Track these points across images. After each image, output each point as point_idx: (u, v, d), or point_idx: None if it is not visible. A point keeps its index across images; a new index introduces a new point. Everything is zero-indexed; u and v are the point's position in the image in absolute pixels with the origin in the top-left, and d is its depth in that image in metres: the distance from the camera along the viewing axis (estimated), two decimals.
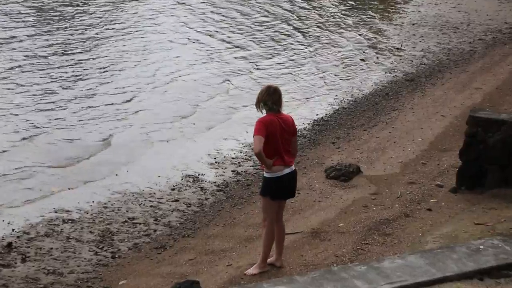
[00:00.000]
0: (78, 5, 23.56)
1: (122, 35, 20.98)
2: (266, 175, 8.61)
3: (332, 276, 6.55)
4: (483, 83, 17.43)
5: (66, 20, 21.77)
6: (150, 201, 11.77)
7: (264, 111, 8.54)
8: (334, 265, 8.27)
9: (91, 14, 22.81)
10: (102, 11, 23.34)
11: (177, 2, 25.13)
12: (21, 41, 19.52)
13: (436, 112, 15.63)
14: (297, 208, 11.18)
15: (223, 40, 21.31)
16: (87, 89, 16.61)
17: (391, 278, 6.51)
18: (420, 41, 22.09)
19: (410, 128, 14.72)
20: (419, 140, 13.91)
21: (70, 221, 10.88)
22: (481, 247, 7.28)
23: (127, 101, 16.16)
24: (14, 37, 19.69)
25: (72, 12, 22.85)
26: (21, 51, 18.70)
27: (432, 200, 10.71)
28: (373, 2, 27.17)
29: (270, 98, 8.51)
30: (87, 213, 11.18)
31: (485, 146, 10.65)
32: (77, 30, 21.02)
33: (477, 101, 15.78)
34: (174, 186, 12.38)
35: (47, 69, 17.67)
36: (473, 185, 10.79)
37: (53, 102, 15.72)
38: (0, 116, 14.69)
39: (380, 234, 9.53)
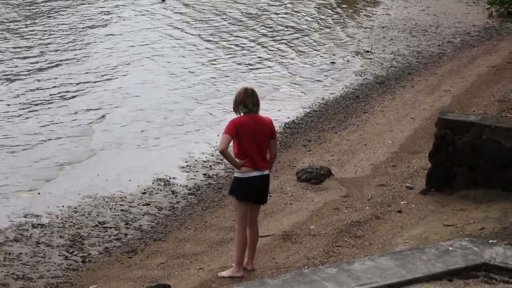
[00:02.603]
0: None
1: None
2: (235, 174, 8.70)
3: (303, 279, 6.56)
4: (452, 86, 17.57)
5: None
6: (121, 205, 11.71)
7: (241, 114, 8.54)
8: (305, 267, 8.31)
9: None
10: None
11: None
12: None
13: (406, 114, 15.73)
14: (269, 211, 11.19)
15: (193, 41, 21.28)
16: (57, 95, 16.50)
17: (361, 280, 6.54)
18: (390, 44, 22.21)
19: (381, 131, 14.79)
20: (389, 142, 13.99)
21: (39, 225, 10.80)
22: (450, 248, 7.33)
23: (98, 108, 16.03)
24: None
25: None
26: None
27: (402, 202, 10.79)
28: (342, 5, 27.27)
29: (250, 99, 8.53)
30: (57, 218, 11.11)
31: (454, 148, 10.76)
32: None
33: (446, 103, 15.90)
34: (145, 189, 12.33)
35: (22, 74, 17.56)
36: (442, 186, 10.90)
37: (23, 103, 15.59)
38: None
39: (351, 236, 9.59)
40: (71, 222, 10.99)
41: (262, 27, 23.40)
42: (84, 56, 19.28)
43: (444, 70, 19.40)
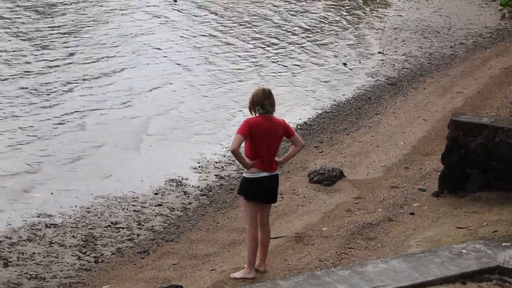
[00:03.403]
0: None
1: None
2: (244, 174, 8.72)
3: (315, 281, 6.57)
4: (464, 87, 17.53)
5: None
6: (133, 205, 11.73)
7: (257, 115, 8.56)
8: (318, 269, 8.29)
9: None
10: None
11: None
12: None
13: (418, 116, 15.69)
14: (281, 212, 11.20)
15: (207, 43, 21.27)
16: (70, 97, 16.52)
17: (374, 282, 6.54)
18: (402, 46, 22.18)
19: (393, 132, 14.77)
20: (401, 144, 13.97)
21: (52, 225, 10.82)
22: (464, 251, 7.33)
23: (110, 108, 16.05)
24: None
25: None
26: None
27: (414, 204, 10.77)
28: (354, 7, 27.23)
29: (267, 100, 8.56)
30: (70, 218, 11.13)
31: (467, 150, 10.72)
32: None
33: (458, 105, 15.86)
34: (157, 190, 12.35)
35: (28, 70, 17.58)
36: (455, 189, 10.86)
37: (33, 104, 15.62)
38: None
39: (363, 238, 9.57)
40: (84, 222, 11.02)
41: (272, 27, 23.36)
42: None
43: (456, 72, 19.35)
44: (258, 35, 22.52)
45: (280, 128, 8.70)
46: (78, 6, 23.77)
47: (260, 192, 8.62)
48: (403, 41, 22.68)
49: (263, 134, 8.53)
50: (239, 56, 20.46)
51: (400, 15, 25.89)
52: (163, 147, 14.36)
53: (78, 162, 13.23)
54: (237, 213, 11.28)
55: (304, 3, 26.79)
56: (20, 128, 14.40)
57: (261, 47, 21.34)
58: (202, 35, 22.16)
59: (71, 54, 19.10)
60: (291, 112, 16.42)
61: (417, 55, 21.33)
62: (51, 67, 17.92)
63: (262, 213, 8.80)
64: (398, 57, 21.09)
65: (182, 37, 21.81)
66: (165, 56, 20.00)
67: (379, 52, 21.44)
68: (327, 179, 12.30)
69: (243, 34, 22.50)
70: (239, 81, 18.37)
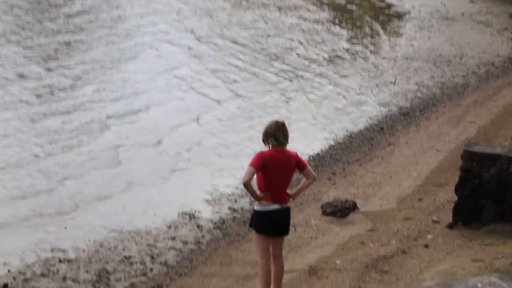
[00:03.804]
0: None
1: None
2: (254, 207, 8.72)
3: None
4: (477, 117, 17.49)
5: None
6: (146, 239, 11.73)
7: (270, 146, 8.59)
8: None
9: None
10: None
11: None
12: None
13: (431, 146, 15.66)
14: (294, 245, 11.16)
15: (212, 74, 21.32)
16: (78, 124, 16.57)
17: None
18: (414, 75, 22.19)
19: (406, 163, 14.73)
20: (414, 175, 13.92)
21: (66, 260, 10.84)
22: (479, 284, 7.24)
23: (130, 143, 16.08)
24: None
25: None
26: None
27: (429, 236, 10.70)
28: (366, 37, 27.31)
29: (281, 133, 8.59)
30: (83, 252, 11.14)
31: (481, 181, 10.66)
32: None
33: (471, 135, 15.82)
34: (170, 223, 12.35)
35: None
36: (469, 220, 10.78)
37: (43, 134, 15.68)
38: None
39: (377, 271, 9.51)
40: (97, 256, 11.03)
41: (284, 59, 23.41)
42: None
43: (469, 101, 19.33)
44: (268, 66, 22.54)
45: (293, 161, 8.71)
46: (107, 40, 23.70)
47: (270, 225, 8.61)
48: (415, 70, 22.70)
49: (276, 167, 8.53)
50: (266, 88, 20.45)
51: (412, 44, 25.93)
52: (176, 180, 14.37)
53: (91, 196, 13.25)
54: (251, 246, 11.24)
55: (319, 33, 26.91)
56: (34, 159, 14.46)
57: (272, 78, 21.35)
58: (229, 67, 22.08)
59: (99, 90, 19.05)
60: (304, 143, 16.40)
61: (429, 84, 21.34)
62: (78, 104, 17.86)
63: (275, 245, 8.78)
64: (410, 86, 21.10)
65: (209, 68, 21.76)
66: (193, 88, 19.98)
67: (391, 82, 21.45)
68: (340, 211, 12.27)
69: (270, 66, 22.52)
70: (252, 114, 18.35)
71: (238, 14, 28.44)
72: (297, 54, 23.90)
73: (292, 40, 25.42)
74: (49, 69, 20.16)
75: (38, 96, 18.03)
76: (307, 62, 23.05)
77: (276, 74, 21.71)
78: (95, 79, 19.86)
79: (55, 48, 22.19)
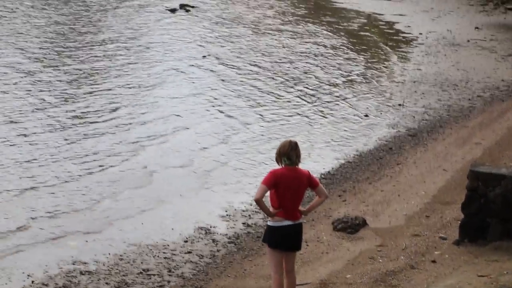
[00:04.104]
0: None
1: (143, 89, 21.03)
2: (268, 223, 8.73)
3: None
4: (483, 138, 17.44)
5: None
6: (164, 252, 11.71)
7: (283, 165, 8.61)
8: None
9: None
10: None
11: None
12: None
13: (438, 166, 15.61)
14: (306, 259, 11.12)
15: (230, 92, 21.32)
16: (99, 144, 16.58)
17: None
18: (422, 98, 22.18)
19: (414, 182, 14.69)
20: (422, 193, 13.87)
21: (87, 272, 10.81)
22: None
23: (134, 155, 16.09)
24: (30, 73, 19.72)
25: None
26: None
27: (436, 252, 10.65)
28: (375, 61, 27.33)
29: (294, 152, 8.61)
30: (104, 265, 11.12)
31: (486, 200, 10.62)
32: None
33: (477, 156, 15.76)
34: (187, 238, 12.32)
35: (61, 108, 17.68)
36: (475, 237, 10.73)
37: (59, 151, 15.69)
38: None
39: (386, 285, 9.46)
40: (117, 269, 11.00)
41: (296, 80, 23.44)
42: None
43: (475, 123, 19.28)
44: (279, 88, 22.55)
45: (305, 179, 8.71)
46: (136, 66, 23.69)
47: (283, 240, 8.61)
48: (423, 93, 22.68)
49: (288, 185, 8.54)
50: (287, 110, 20.44)
51: (420, 69, 25.94)
52: (192, 195, 14.36)
53: (111, 211, 13.26)
54: (264, 260, 11.20)
55: (333, 58, 26.95)
56: (55, 177, 14.49)
57: (285, 99, 21.34)
58: (254, 90, 22.04)
59: (131, 113, 18.94)
60: (315, 162, 16.39)
61: (436, 107, 21.31)
62: (112, 127, 17.83)
63: (287, 260, 8.76)
64: (418, 109, 21.08)
65: (235, 92, 21.77)
66: (221, 111, 19.93)
67: (400, 105, 21.44)
68: (351, 227, 12.23)
69: (290, 88, 22.52)
70: (263, 134, 18.31)
71: (258, 40, 28.56)
72: (315, 77, 23.91)
73: (308, 64, 25.49)
74: (84, 93, 20.15)
75: (73, 118, 18.04)
76: (323, 85, 23.06)
77: (298, 96, 21.75)
78: (128, 102, 19.81)
79: (89, 73, 22.20)
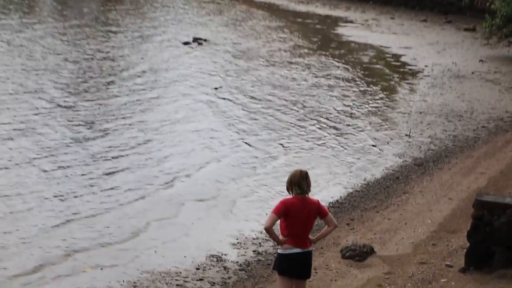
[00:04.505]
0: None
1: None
2: (278, 250, 8.74)
3: None
4: (488, 168, 17.34)
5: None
6: (176, 280, 11.64)
7: (294, 194, 8.62)
8: None
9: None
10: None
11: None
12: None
13: (444, 195, 15.52)
14: (315, 286, 11.02)
15: (239, 125, 21.30)
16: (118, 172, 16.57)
17: None
18: (428, 128, 22.12)
19: (420, 210, 14.59)
20: (428, 221, 13.78)
21: None
22: None
23: (162, 188, 16.02)
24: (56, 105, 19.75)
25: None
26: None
27: (442, 280, 10.55)
28: (382, 93, 27.32)
29: (304, 181, 8.62)
30: None
31: (491, 228, 10.55)
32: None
33: (482, 185, 15.67)
34: (199, 265, 12.25)
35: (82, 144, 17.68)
36: (481, 265, 10.64)
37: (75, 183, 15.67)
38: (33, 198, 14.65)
39: None
40: None
41: (303, 110, 23.40)
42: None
43: (480, 153, 19.19)
44: (286, 118, 22.51)
45: (314, 208, 8.70)
46: (163, 100, 23.60)
47: (292, 267, 8.58)
48: (429, 124, 22.63)
49: (298, 214, 8.53)
50: (269, 136, 20.41)
51: (425, 100, 25.91)
52: (204, 224, 14.30)
53: (127, 239, 13.21)
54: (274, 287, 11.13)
55: (340, 89, 26.95)
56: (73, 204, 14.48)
57: (292, 128, 21.28)
58: (278, 122, 21.92)
59: (160, 149, 18.66)
60: (324, 191, 16.32)
61: (442, 137, 21.24)
62: (143, 160, 17.80)
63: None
64: (424, 139, 21.02)
65: (259, 124, 21.69)
66: (247, 143, 19.82)
67: (406, 135, 21.38)
68: (359, 255, 12.14)
69: (273, 116, 22.52)
70: (271, 162, 18.27)
71: (272, 72, 28.61)
72: (325, 108, 23.86)
73: (319, 95, 25.49)
74: (117, 126, 20.17)
75: (108, 151, 18.03)
76: (332, 116, 23.00)
77: (315, 125, 21.70)
78: (158, 136, 19.70)
79: (117, 108, 22.17)
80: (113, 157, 17.52)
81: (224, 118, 22.07)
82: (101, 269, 11.86)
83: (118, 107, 22.13)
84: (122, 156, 17.72)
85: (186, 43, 32.71)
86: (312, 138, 20.65)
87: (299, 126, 21.72)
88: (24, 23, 33.00)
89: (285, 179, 8.96)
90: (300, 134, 20.85)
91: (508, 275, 10.09)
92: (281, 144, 19.77)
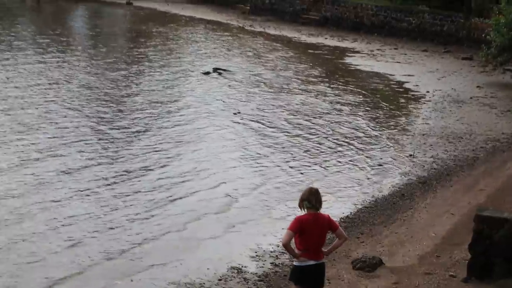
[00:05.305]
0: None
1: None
2: (294, 262, 8.74)
3: None
4: (486, 185, 17.23)
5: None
6: None
7: (305, 210, 8.63)
8: None
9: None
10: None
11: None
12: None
13: (446, 210, 15.42)
14: None
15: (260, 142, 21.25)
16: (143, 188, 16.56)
17: None
18: (430, 149, 22.02)
19: (425, 225, 14.50)
20: (432, 235, 13.69)
21: None
22: None
23: (171, 200, 15.98)
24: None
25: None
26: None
27: None
28: (386, 117, 27.26)
29: (313, 197, 8.64)
30: None
31: (491, 241, 10.48)
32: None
33: (481, 201, 15.56)
34: (221, 276, 12.23)
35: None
36: (482, 276, 10.57)
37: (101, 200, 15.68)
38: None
39: None
40: None
41: (310, 133, 23.32)
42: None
43: (479, 172, 19.08)
44: (292, 140, 22.46)
45: (326, 223, 8.72)
46: (171, 129, 22.90)
47: (307, 278, 8.59)
48: (431, 145, 22.54)
49: (311, 229, 8.55)
50: (281, 157, 20.39)
51: (428, 123, 25.82)
52: (224, 238, 14.28)
53: (153, 252, 13.21)
54: None
55: (347, 114, 26.92)
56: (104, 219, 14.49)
57: (299, 151, 21.25)
58: (297, 149, 21.67)
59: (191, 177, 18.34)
60: (335, 207, 16.25)
61: (443, 157, 21.14)
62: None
63: None
64: (427, 159, 20.92)
65: (271, 142, 21.72)
66: (273, 161, 19.74)
67: (411, 155, 21.30)
68: (368, 266, 12.07)
69: (284, 136, 22.48)
70: (283, 183, 18.22)
71: (286, 98, 28.57)
72: (336, 131, 23.79)
73: (330, 119, 25.47)
74: (136, 152, 20.22)
75: (127, 173, 18.10)
76: (343, 139, 22.96)
77: (326, 147, 21.60)
78: (177, 158, 19.45)
79: (141, 131, 22.19)
80: (134, 178, 17.54)
81: (238, 141, 21.96)
82: (131, 280, 11.86)
83: (143, 131, 21.99)
84: (142, 175, 17.72)
85: (206, 73, 32.81)
86: (323, 158, 20.62)
87: (309, 147, 21.68)
88: (62, 60, 33.26)
89: (296, 195, 8.98)
90: (310, 155, 20.81)
91: (508, 285, 10.00)
92: (292, 165, 19.73)
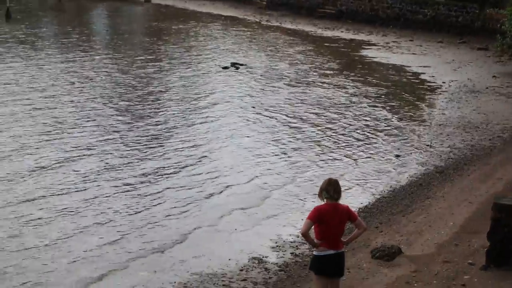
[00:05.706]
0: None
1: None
2: (313, 252, 8.72)
3: None
4: (504, 174, 17.06)
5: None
6: (222, 280, 11.65)
7: (325, 200, 8.61)
8: None
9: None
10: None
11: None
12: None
13: (464, 199, 15.29)
14: (348, 285, 10.90)
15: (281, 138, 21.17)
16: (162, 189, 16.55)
17: None
18: (447, 139, 21.86)
19: (443, 214, 14.39)
20: (451, 224, 13.59)
21: None
22: None
23: (198, 199, 15.90)
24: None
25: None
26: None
27: (465, 277, 10.39)
28: (404, 108, 27.09)
29: (331, 187, 8.60)
30: None
31: (510, 229, 10.36)
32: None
33: (499, 190, 15.41)
34: (242, 267, 12.24)
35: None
36: (500, 263, 10.46)
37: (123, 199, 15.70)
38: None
39: None
40: None
41: (331, 124, 23.22)
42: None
43: (496, 161, 18.90)
44: (314, 130, 22.35)
45: (345, 213, 8.68)
46: (194, 128, 22.54)
47: (327, 267, 8.57)
48: (448, 135, 22.37)
49: (330, 219, 8.51)
50: (300, 147, 20.30)
51: (444, 113, 25.63)
52: (246, 230, 14.27)
53: (179, 244, 13.22)
54: (311, 286, 11.00)
55: (366, 105, 26.78)
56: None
57: (322, 142, 21.16)
58: (309, 133, 21.80)
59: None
60: (353, 197, 16.20)
61: (460, 147, 20.97)
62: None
63: (332, 286, 8.67)
64: (444, 149, 20.77)
65: (291, 133, 21.57)
66: (285, 154, 19.58)
67: (428, 145, 21.16)
68: (387, 255, 12.01)
69: (298, 128, 22.39)
70: (303, 172, 18.17)
71: (304, 91, 28.50)
72: (353, 124, 23.71)
73: (348, 111, 25.35)
74: (160, 151, 20.28)
75: (149, 174, 18.10)
76: (361, 130, 22.86)
77: (345, 138, 21.53)
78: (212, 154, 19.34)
79: (167, 130, 22.06)
80: (161, 177, 17.53)
81: (263, 132, 21.89)
82: (155, 271, 11.91)
83: (168, 129, 21.85)
84: (169, 174, 17.71)
85: (225, 68, 32.81)
86: (344, 150, 20.53)
87: (330, 139, 21.59)
88: (90, 58, 33.37)
89: (316, 189, 8.94)
90: (331, 147, 20.72)
91: None
92: (314, 157, 19.64)
